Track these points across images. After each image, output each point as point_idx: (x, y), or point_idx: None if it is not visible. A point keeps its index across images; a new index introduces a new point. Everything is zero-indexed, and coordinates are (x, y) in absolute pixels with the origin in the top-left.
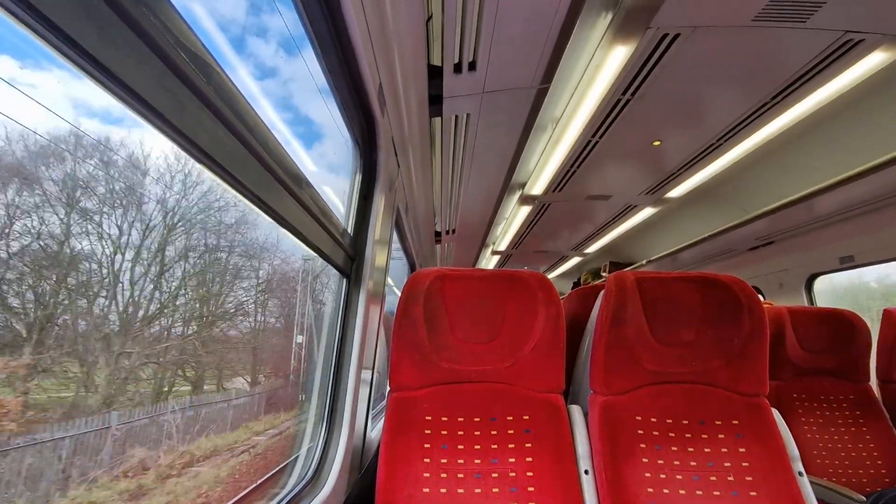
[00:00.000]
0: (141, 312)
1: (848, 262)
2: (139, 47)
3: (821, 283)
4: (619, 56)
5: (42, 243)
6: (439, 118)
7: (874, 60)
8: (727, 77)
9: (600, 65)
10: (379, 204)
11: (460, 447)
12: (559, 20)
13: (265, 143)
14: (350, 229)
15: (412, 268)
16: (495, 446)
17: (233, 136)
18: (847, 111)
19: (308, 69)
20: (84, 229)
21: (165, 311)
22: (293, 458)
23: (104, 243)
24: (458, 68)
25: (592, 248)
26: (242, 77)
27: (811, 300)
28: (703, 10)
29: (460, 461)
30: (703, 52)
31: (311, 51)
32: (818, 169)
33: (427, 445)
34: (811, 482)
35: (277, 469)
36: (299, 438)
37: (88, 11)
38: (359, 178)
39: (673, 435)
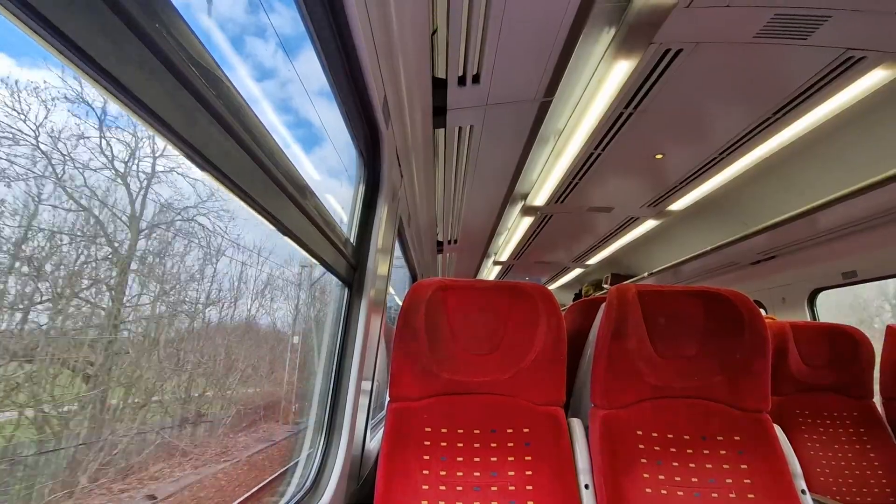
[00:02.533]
0: None
1: (851, 278)
2: (152, 62)
3: None
4: (621, 70)
5: None
6: (443, 129)
7: (875, 77)
8: (729, 92)
9: (603, 79)
10: (382, 214)
11: (459, 459)
12: (563, 34)
13: (271, 154)
14: (353, 239)
15: (414, 278)
16: (495, 459)
17: (240, 147)
18: (849, 127)
19: (314, 81)
20: None
21: None
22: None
23: None
24: (462, 81)
25: (594, 260)
26: (250, 88)
27: (814, 315)
28: (705, 27)
29: (459, 474)
30: (705, 68)
31: (317, 63)
32: (820, 184)
33: (426, 457)
34: (814, 500)
35: None
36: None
37: (104, 28)
38: (362, 188)
39: (674, 450)
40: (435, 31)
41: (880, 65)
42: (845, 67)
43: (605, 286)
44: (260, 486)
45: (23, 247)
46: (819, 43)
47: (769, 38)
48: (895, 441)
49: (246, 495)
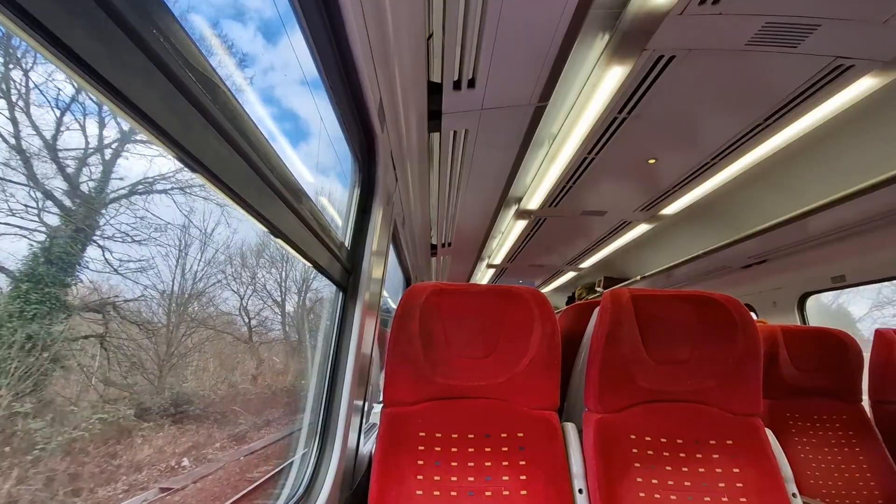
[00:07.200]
0: None
1: (840, 282)
2: (149, 68)
3: None
4: (615, 76)
5: None
6: (438, 133)
7: (864, 85)
8: (721, 98)
9: (597, 84)
10: (377, 217)
11: (454, 464)
12: (557, 40)
13: (266, 158)
14: (347, 242)
15: (408, 281)
16: (489, 464)
17: (235, 151)
18: (839, 133)
19: (310, 86)
20: None
21: None
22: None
23: None
24: (457, 85)
25: (587, 263)
26: (246, 93)
27: (804, 319)
28: (697, 34)
29: (453, 478)
30: (697, 74)
31: (313, 68)
32: (811, 189)
33: (420, 462)
34: (804, 503)
35: None
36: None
37: (100, 33)
38: (357, 191)
39: (667, 454)
40: (431, 36)
41: (869, 72)
42: (835, 75)
43: (598, 289)
44: None
45: None
46: (809, 51)
47: (760, 45)
48: (884, 444)
49: None
